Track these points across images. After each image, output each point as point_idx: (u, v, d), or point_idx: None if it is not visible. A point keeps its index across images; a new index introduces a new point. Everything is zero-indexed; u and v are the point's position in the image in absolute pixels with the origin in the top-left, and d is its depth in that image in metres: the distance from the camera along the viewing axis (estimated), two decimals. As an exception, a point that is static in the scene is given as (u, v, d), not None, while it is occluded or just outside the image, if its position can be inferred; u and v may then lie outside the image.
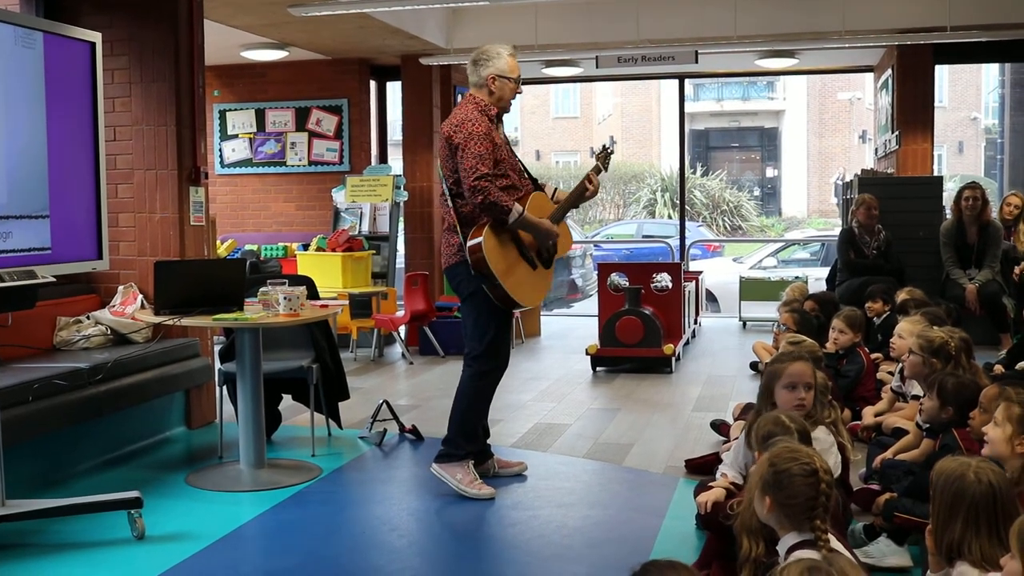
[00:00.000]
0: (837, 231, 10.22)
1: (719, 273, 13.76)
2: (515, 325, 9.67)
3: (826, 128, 33.47)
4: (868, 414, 5.59)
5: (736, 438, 4.87)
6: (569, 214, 5.12)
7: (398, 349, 9.24)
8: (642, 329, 8.07)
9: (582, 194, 4.98)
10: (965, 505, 2.67)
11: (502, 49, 4.79)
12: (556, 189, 5.10)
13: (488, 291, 4.68)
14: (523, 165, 5.01)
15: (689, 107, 18.47)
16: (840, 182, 33.17)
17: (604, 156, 5.11)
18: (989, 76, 29.68)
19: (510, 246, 4.74)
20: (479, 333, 4.79)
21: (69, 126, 4.58)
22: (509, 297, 4.68)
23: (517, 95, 4.88)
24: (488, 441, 5.10)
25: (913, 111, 10.19)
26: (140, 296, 5.92)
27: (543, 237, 4.80)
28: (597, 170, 5.03)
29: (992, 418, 3.52)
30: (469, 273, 4.68)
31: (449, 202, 4.74)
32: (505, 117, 4.91)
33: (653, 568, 2.11)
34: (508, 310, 4.81)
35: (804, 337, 5.28)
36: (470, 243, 4.64)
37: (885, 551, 3.73)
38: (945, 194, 10.02)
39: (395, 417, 6.00)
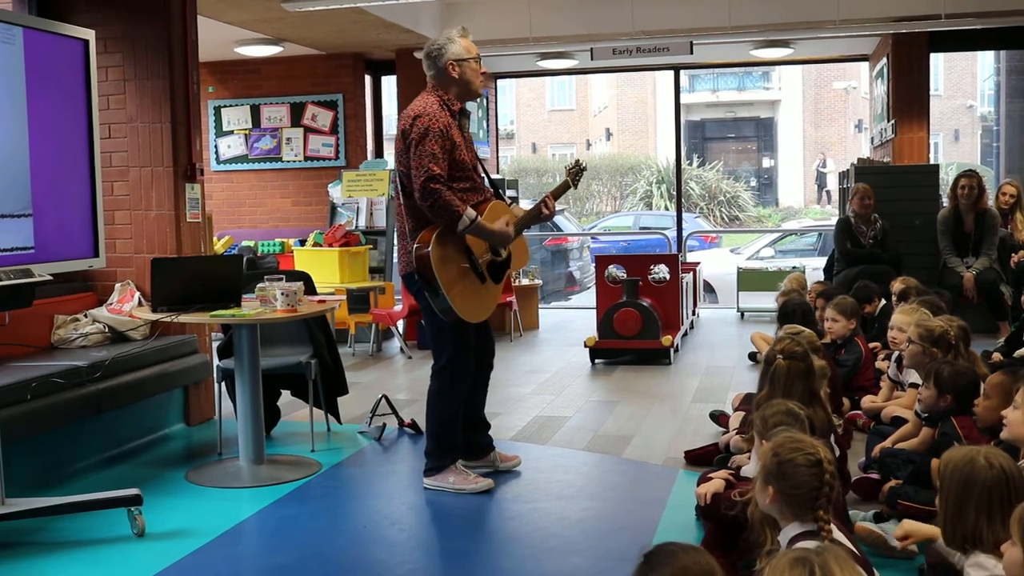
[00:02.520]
0: (834, 220, 10.22)
1: (717, 264, 13.76)
2: (513, 318, 9.68)
3: (822, 117, 33.48)
4: (867, 403, 5.60)
5: (735, 429, 4.88)
6: (563, 205, 5.04)
7: (396, 344, 9.24)
8: (640, 321, 8.07)
9: (537, 215, 4.82)
10: (976, 491, 2.64)
11: (452, 33, 4.58)
12: (512, 204, 4.90)
13: (430, 300, 4.46)
14: (485, 170, 4.81)
15: (685, 98, 18.44)
16: (822, 169, 32.90)
17: (575, 172, 4.95)
18: (984, 64, 29.67)
19: (460, 256, 4.51)
20: (439, 348, 4.67)
21: (59, 124, 4.54)
22: (452, 310, 4.43)
23: (483, 75, 4.65)
24: (489, 432, 5.04)
25: (908, 99, 10.20)
26: (137, 293, 5.92)
27: (498, 242, 4.63)
28: (565, 186, 4.92)
29: (994, 403, 3.53)
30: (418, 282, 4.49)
31: (402, 200, 4.54)
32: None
33: (670, 547, 2.09)
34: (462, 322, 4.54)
35: (803, 327, 5.28)
36: (417, 249, 4.41)
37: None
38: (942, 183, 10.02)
39: (394, 411, 6.00)
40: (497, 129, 12.33)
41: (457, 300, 4.44)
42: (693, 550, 2.07)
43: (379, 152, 11.73)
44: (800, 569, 1.95)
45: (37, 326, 5.53)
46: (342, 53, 10.58)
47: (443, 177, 4.34)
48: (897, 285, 6.89)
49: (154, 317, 4.90)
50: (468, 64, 4.56)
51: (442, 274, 4.39)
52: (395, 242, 10.18)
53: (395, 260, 10.14)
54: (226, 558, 3.97)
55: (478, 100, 4.81)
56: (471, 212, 4.40)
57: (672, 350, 8.15)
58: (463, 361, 4.66)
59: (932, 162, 10.53)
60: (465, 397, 4.77)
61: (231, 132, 11.00)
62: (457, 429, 4.76)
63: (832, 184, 31.87)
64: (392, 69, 10.87)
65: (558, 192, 4.94)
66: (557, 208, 4.95)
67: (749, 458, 3.85)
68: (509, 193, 10.25)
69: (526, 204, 4.72)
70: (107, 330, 5.74)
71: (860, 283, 7.36)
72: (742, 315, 10.98)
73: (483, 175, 4.77)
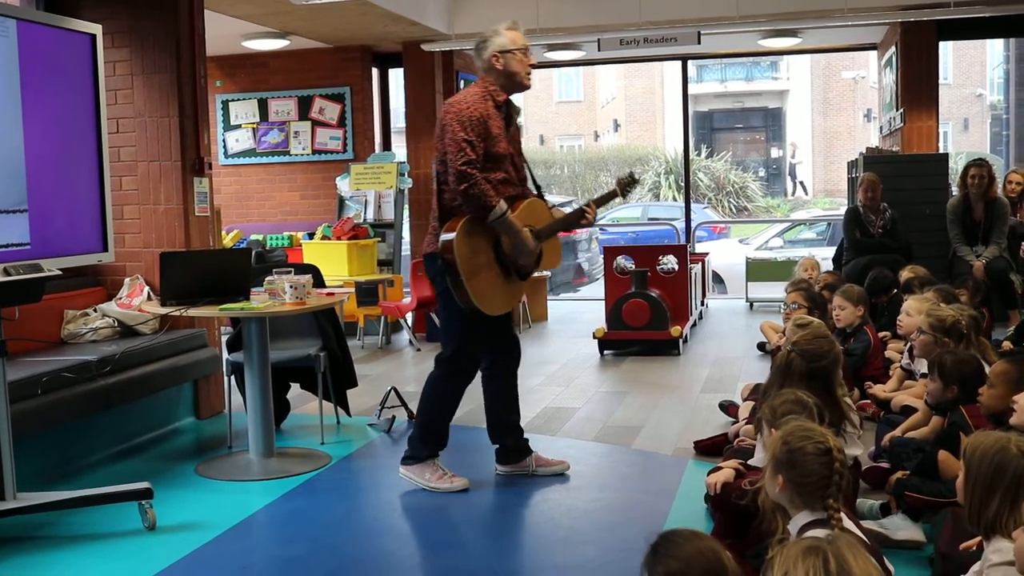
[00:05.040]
0: (843, 210, 10.19)
1: (725, 254, 13.74)
2: (521, 310, 9.67)
3: (831, 107, 33.35)
4: (877, 392, 5.58)
5: (745, 419, 4.88)
6: (571, 197, 4.97)
7: (405, 336, 9.25)
8: (649, 312, 8.07)
9: (575, 221, 4.72)
10: (1007, 479, 2.63)
11: (499, 27, 4.58)
12: (553, 207, 4.82)
13: (451, 288, 4.40)
14: (529, 170, 4.74)
15: (692, 89, 18.40)
16: (792, 160, 32.90)
17: (627, 183, 4.84)
18: (994, 52, 29.56)
19: (486, 246, 4.45)
20: (448, 336, 4.63)
21: (63, 118, 4.50)
22: (470, 300, 4.37)
23: (530, 67, 4.58)
24: (525, 436, 4.90)
25: (917, 88, 10.14)
26: (146, 288, 5.93)
27: (519, 251, 4.48)
28: (612, 195, 4.84)
29: (999, 392, 3.51)
30: (440, 266, 4.43)
31: (434, 186, 4.55)
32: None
33: (675, 537, 2.09)
34: (477, 314, 4.45)
35: (813, 318, 5.26)
36: (443, 235, 4.38)
37: (900, 524, 3.73)
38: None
39: (403, 404, 6.01)
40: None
41: (476, 289, 4.38)
42: (697, 537, 2.08)
43: (387, 145, 11.72)
44: (813, 558, 1.93)
45: (47, 321, 5.55)
46: (349, 46, 10.57)
47: (478, 163, 4.33)
48: (905, 274, 6.87)
49: (163, 311, 4.91)
50: (513, 55, 4.53)
51: (464, 262, 4.35)
52: (404, 235, 10.19)
53: (404, 252, 10.15)
54: (237, 551, 3.99)
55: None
56: (502, 205, 4.36)
57: (681, 341, 8.15)
58: (469, 355, 4.61)
59: (941, 151, 10.48)
60: (463, 391, 4.69)
61: (239, 126, 10.99)
62: (447, 422, 4.70)
63: (803, 175, 31.99)
64: (399, 62, 10.84)
65: (602, 200, 4.88)
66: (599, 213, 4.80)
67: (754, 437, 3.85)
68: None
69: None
70: (116, 324, 5.76)
71: (877, 271, 7.33)
72: (751, 305, 10.97)
73: (525, 171, 4.70)
